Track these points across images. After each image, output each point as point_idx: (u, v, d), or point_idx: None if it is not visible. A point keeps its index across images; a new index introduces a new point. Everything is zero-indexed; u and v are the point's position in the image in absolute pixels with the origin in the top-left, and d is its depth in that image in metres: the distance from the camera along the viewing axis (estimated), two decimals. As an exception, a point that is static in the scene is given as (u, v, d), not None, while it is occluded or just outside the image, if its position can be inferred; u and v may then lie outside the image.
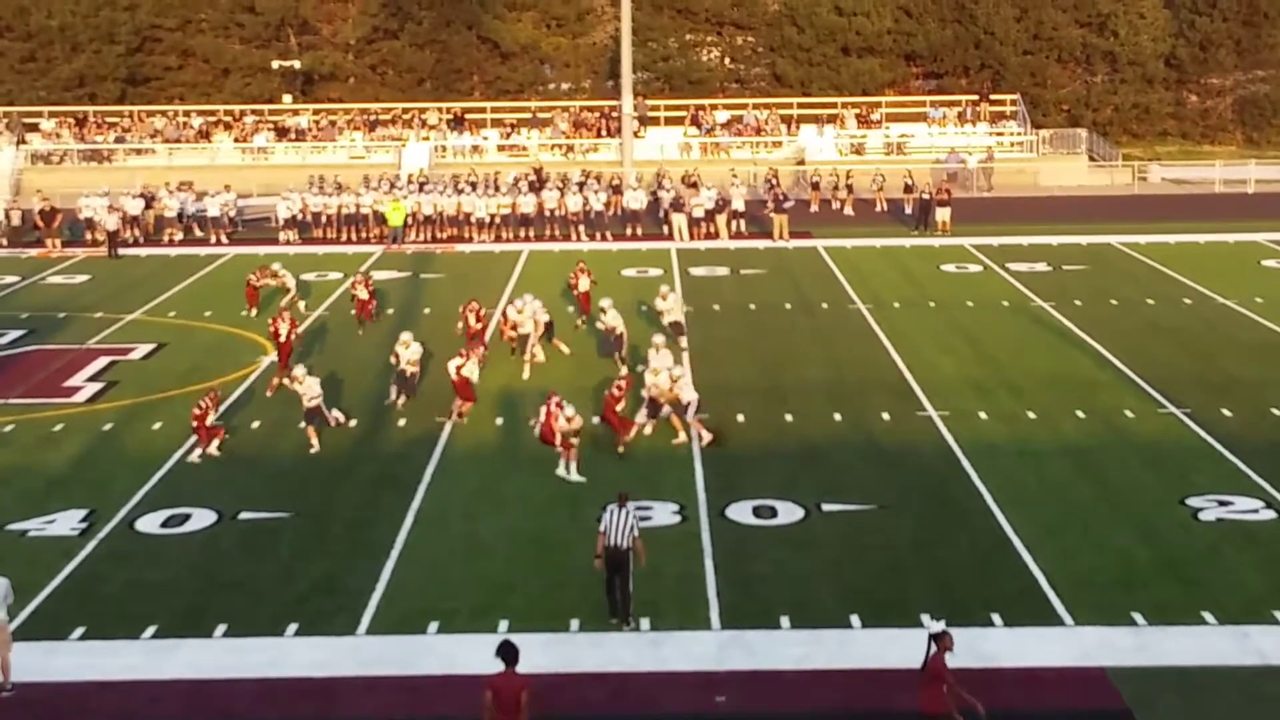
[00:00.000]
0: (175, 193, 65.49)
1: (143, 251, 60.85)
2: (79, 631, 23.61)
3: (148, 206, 64.27)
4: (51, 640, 23.34)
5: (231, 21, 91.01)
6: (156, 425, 35.30)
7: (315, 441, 33.25)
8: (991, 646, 22.73)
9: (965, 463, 31.74)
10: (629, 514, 23.92)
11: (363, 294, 45.52)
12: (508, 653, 18.91)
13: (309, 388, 33.62)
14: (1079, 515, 28.55)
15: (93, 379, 39.96)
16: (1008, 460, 31.96)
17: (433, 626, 23.90)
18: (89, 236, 62.49)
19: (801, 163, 77.09)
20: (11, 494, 30.59)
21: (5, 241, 62.28)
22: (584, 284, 45.25)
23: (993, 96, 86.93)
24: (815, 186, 72.10)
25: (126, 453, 33.13)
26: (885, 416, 35.45)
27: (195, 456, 32.61)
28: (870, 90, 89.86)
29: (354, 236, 62.50)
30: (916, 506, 29.16)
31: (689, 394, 33.43)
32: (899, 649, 22.42)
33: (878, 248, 59.78)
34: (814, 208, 70.71)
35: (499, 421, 35.08)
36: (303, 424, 33.61)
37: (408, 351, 37.06)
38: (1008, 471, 31.14)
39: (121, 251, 59.78)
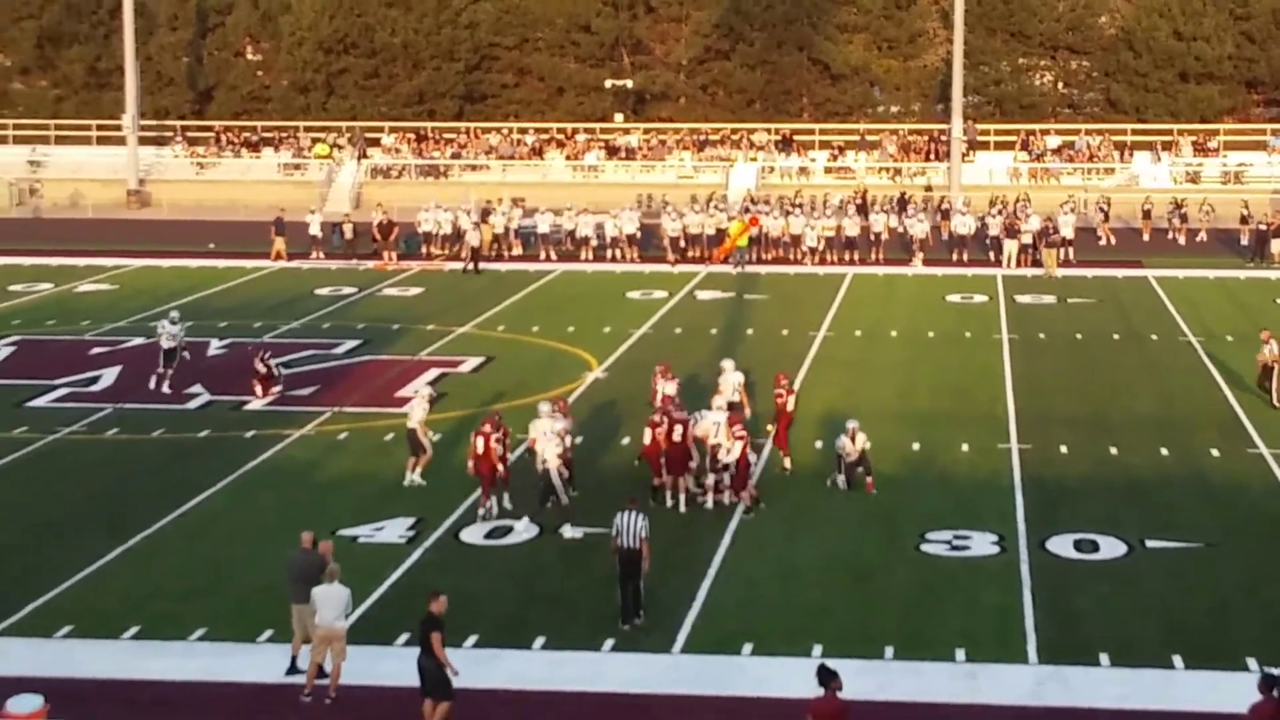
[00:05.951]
0: (508, 209, 66.88)
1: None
2: (404, 638, 24.09)
3: (482, 221, 65.74)
4: (378, 645, 23.96)
5: (567, 40, 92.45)
6: (483, 437, 35.99)
7: None
8: (1321, 695, 22.03)
9: (1298, 504, 30.87)
10: (638, 517, 24.76)
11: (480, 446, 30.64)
12: (827, 676, 18.93)
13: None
14: None
15: (424, 390, 40.90)
16: (1344, 502, 30.97)
17: (747, 648, 24.01)
18: (424, 250, 64.18)
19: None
20: (344, 501, 31.55)
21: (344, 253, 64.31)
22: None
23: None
24: (1147, 215, 70.63)
25: (454, 463, 33.33)
26: (1214, 453, 34.61)
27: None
28: (1208, 117, 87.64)
29: (679, 255, 63.06)
30: (1246, 546, 28.42)
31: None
32: (1223, 692, 21.88)
33: (1211, 279, 58.41)
34: (1146, 236, 69.45)
35: (818, 445, 35.04)
36: None
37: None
38: (1344, 514, 30.16)
39: (453, 265, 61.26)
